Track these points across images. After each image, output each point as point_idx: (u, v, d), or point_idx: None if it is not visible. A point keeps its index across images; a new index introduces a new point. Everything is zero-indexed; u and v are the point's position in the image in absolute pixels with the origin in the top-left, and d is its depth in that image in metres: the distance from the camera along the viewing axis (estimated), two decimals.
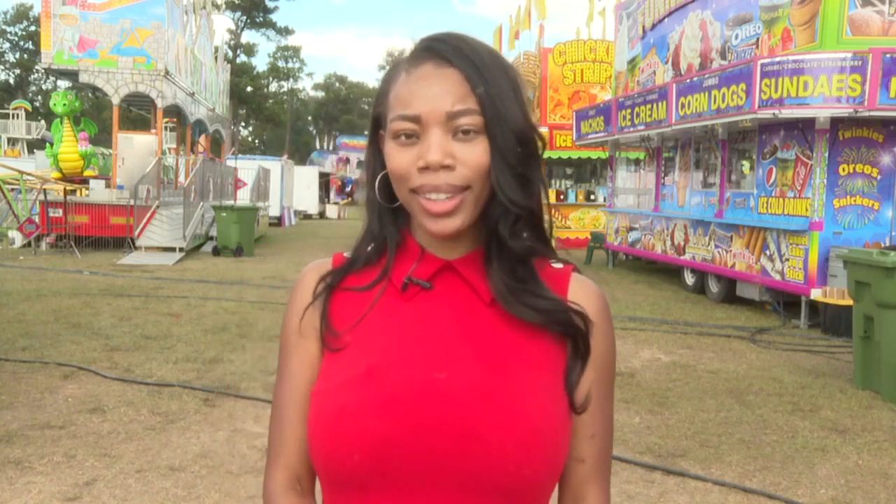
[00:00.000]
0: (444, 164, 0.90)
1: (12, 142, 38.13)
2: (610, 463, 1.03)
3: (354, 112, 72.15)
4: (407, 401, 0.89)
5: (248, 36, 68.76)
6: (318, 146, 67.23)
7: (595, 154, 18.09)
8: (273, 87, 67.35)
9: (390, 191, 0.98)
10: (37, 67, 43.16)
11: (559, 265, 1.02)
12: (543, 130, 15.70)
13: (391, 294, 0.98)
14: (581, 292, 0.99)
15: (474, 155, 0.91)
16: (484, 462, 0.87)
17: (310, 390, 0.97)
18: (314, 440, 0.93)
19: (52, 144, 18.70)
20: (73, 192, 16.52)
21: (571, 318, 0.95)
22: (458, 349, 0.93)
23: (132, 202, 15.82)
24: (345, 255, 1.04)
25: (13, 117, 38.71)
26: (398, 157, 0.92)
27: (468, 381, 0.90)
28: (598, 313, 0.98)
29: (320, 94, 74.89)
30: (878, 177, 8.97)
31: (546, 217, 1.00)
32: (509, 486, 0.88)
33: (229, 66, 34.32)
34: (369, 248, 1.01)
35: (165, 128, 23.56)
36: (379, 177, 0.99)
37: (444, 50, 0.93)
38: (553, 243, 1.02)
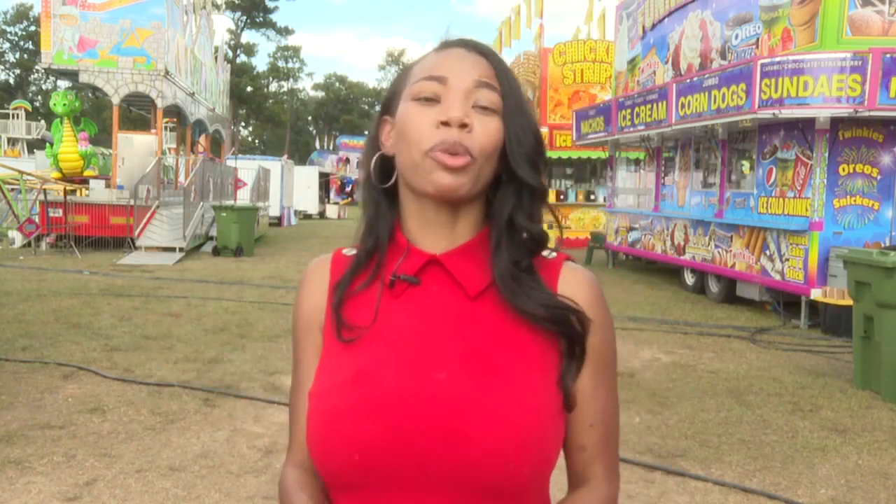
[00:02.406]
0: (465, 121, 0.92)
1: (12, 142, 38.12)
2: (615, 444, 1.02)
3: (354, 112, 72.09)
4: (394, 404, 0.90)
5: (248, 36, 68.79)
6: (318, 146, 67.14)
7: (595, 154, 18.09)
8: (273, 87, 67.38)
9: (384, 174, 1.01)
10: (37, 67, 43.16)
11: (553, 255, 1.01)
12: (543, 130, 15.54)
13: (383, 290, 0.99)
14: (573, 282, 0.98)
15: (489, 129, 0.94)
16: (472, 464, 0.87)
17: None
18: (310, 442, 0.95)
19: (52, 144, 18.69)
20: (73, 192, 16.52)
21: (568, 318, 0.94)
22: (444, 349, 0.93)
23: (132, 202, 15.81)
24: (344, 251, 1.05)
25: (13, 117, 38.70)
26: (416, 116, 0.95)
27: (455, 382, 0.90)
28: (591, 304, 0.97)
29: (320, 94, 74.87)
30: (878, 177, 8.97)
31: (550, 217, 1.02)
32: (499, 487, 0.88)
33: (229, 66, 34.32)
34: (368, 246, 1.01)
35: (165, 128, 23.55)
36: (375, 156, 1.01)
37: (475, 43, 1.00)
38: (554, 243, 1.02)
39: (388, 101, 1.02)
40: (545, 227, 1.01)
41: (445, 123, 0.92)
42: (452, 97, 0.93)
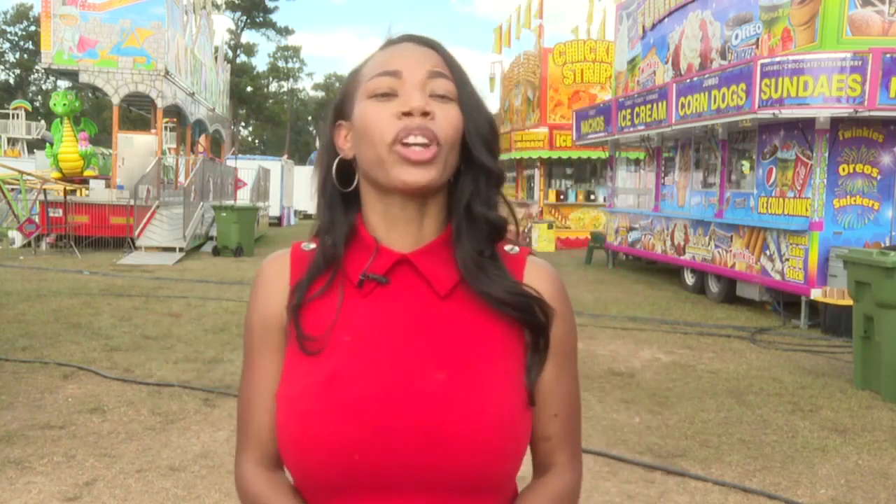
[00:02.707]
0: (426, 110, 0.92)
1: (12, 142, 38.11)
2: (578, 432, 1.05)
3: None
4: (370, 404, 0.90)
5: (248, 36, 68.64)
6: (318, 146, 67.02)
7: (595, 154, 18.08)
8: (273, 87, 67.30)
9: (343, 179, 1.00)
10: (37, 67, 43.13)
11: (515, 249, 1.02)
12: (543, 131, 15.57)
13: (348, 290, 0.98)
14: (536, 276, 1.00)
15: (449, 115, 0.95)
16: (450, 461, 0.88)
17: (278, 380, 0.98)
18: (283, 446, 0.94)
19: (52, 144, 18.70)
20: (73, 192, 16.53)
21: (533, 308, 0.96)
22: (416, 349, 0.93)
23: (132, 202, 15.82)
24: (302, 245, 1.04)
25: (13, 117, 38.68)
26: (375, 111, 0.94)
27: (429, 381, 0.91)
28: (554, 296, 0.99)
29: (320, 94, 74.81)
30: (878, 177, 8.97)
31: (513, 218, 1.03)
32: (477, 481, 0.90)
33: (229, 66, 34.33)
34: (327, 250, 0.99)
35: (165, 128, 23.55)
36: (336, 161, 1.01)
37: (421, 37, 1.01)
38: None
39: (340, 106, 1.01)
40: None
41: (407, 114, 0.92)
42: (409, 89, 0.94)
